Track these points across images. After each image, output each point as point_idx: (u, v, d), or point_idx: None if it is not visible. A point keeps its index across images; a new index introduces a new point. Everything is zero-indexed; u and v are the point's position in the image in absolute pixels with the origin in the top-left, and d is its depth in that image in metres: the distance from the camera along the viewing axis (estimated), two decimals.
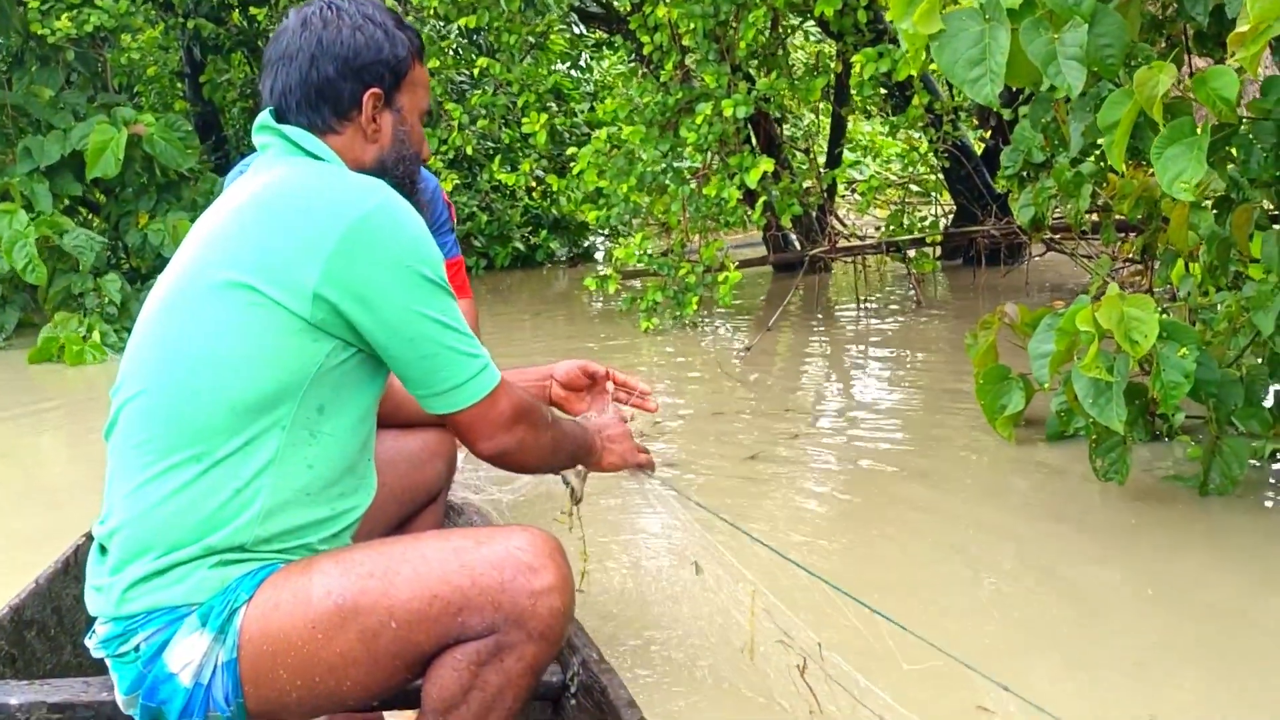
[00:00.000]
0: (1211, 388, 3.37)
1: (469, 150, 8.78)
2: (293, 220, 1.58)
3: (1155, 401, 3.34)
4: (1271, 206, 3.49)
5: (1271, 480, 3.70)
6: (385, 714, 2.08)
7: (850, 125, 11.99)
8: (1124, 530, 3.38)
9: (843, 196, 11.11)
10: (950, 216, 9.31)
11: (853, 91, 7.73)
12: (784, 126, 9.83)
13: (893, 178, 11.01)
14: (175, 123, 8.92)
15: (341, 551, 1.63)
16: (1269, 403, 3.72)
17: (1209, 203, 3.66)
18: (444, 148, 8.80)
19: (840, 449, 4.46)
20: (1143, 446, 4.02)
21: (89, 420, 5.70)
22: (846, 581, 2.19)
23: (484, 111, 8.96)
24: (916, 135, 9.04)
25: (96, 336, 7.54)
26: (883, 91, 9.12)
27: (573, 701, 1.93)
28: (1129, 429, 3.39)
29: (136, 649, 1.57)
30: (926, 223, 8.67)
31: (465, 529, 1.81)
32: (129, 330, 7.78)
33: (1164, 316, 3.10)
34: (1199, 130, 2.98)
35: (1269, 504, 3.52)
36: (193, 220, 8.57)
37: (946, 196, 9.40)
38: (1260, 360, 3.66)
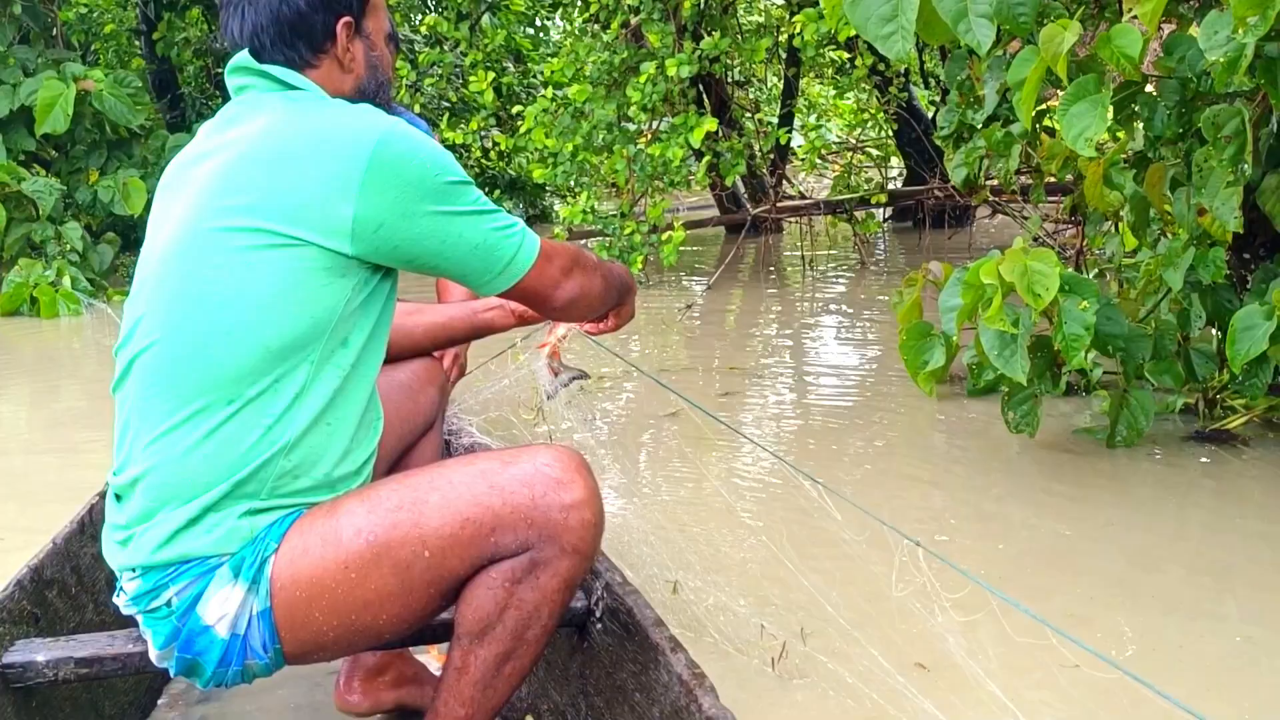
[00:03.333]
0: (1119, 342, 3.44)
1: (417, 109, 8.75)
2: (311, 160, 1.55)
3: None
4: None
5: (1179, 434, 3.78)
6: (411, 650, 2.10)
7: (811, 89, 11.99)
8: (1036, 481, 3.45)
9: (802, 159, 11.13)
10: (902, 178, 9.36)
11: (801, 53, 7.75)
12: (748, 90, 9.82)
13: (847, 139, 11.03)
14: (125, 79, 8.85)
15: (365, 490, 1.62)
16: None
17: (1127, 163, 3.72)
18: None
19: (764, 404, 4.52)
20: (1063, 401, 4.10)
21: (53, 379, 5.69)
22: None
23: (438, 70, 8.94)
24: (863, 98, 9.07)
25: (67, 282, 7.48)
26: (846, 55, 9.14)
27: (599, 626, 1.94)
28: (1036, 381, 3.47)
29: (169, 604, 1.56)
30: (872, 184, 8.73)
31: (487, 452, 1.77)
32: (90, 282, 7.79)
33: (1066, 270, 3.17)
34: (1103, 88, 3.04)
35: (1171, 456, 3.60)
36: (144, 178, 8.42)
37: (898, 158, 9.44)
38: (1174, 318, 3.73)
